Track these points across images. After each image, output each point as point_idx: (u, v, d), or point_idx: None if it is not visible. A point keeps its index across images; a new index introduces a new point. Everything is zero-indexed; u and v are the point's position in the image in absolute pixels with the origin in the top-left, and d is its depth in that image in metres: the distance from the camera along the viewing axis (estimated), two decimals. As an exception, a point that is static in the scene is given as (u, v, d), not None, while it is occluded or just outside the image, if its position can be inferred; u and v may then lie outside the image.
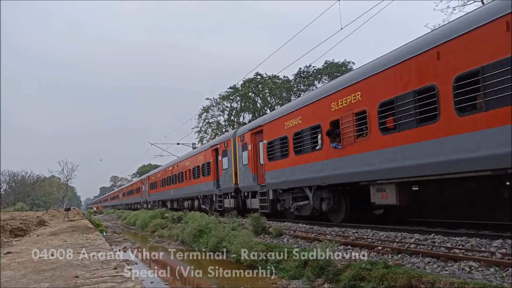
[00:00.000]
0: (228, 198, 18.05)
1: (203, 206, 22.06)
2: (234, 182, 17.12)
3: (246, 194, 16.46)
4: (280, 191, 13.76)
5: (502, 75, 6.45)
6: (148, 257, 14.00)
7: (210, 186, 20.18)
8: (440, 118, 7.52)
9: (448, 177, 7.71)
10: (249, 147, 15.78)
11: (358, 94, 9.80)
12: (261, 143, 14.93)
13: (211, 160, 20.05)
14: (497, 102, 6.58)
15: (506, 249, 6.04)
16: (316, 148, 11.42)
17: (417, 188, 9.31)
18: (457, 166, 7.24)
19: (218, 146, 19.22)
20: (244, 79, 41.63)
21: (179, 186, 26.45)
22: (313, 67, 42.55)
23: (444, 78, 7.47)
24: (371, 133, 9.30)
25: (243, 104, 44.69)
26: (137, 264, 11.90)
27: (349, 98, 10.05)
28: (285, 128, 13.13)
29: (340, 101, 10.39)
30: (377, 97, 9.13)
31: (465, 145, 7.06)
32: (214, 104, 46.21)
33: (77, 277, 5.39)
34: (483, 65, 6.79)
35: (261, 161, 14.84)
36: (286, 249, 8.64)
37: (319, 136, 11.29)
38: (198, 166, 22.25)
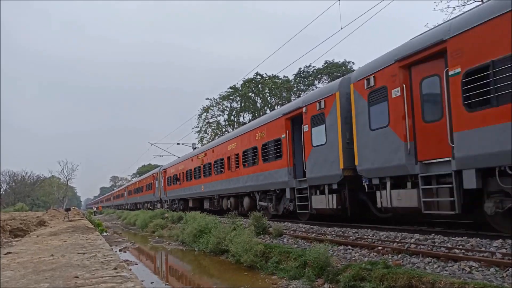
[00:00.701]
0: (159, 203, 34.47)
1: (150, 207, 37.97)
2: (159, 194, 33.93)
3: (164, 200, 33.11)
4: (171, 200, 30.44)
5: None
6: (148, 257, 14.00)
7: (151, 196, 37.57)
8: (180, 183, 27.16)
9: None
10: (162, 178, 32.83)
11: (182, 166, 27.07)
12: (167, 176, 31.36)
13: (151, 182, 37.36)
14: None
15: (506, 249, 6.04)
16: (177, 183, 27.72)
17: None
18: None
19: (155, 174, 36.11)
20: (244, 79, 41.67)
21: (141, 195, 43.58)
22: (313, 67, 42.58)
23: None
24: (183, 181, 26.49)
25: (243, 104, 44.69)
26: (137, 264, 11.90)
27: (180, 167, 27.41)
28: (171, 171, 30.08)
29: (181, 167, 27.27)
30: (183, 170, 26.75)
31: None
32: (214, 104, 46.24)
33: (77, 277, 5.38)
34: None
35: (167, 185, 31.42)
36: (286, 250, 8.64)
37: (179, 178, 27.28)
38: (148, 184, 39.44)
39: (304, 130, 11.97)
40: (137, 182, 47.64)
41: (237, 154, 17.02)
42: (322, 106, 11.14)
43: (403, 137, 8.21)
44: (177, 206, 28.45)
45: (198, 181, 22.81)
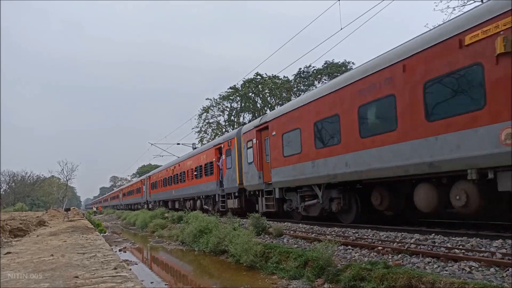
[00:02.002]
0: (145, 204, 39.75)
1: (139, 207, 43.72)
2: (146, 197, 40.03)
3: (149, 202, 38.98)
4: (154, 201, 36.95)
5: None
6: (148, 257, 14.00)
7: (139, 199, 44.77)
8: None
9: None
10: (147, 184, 39.81)
11: (160, 175, 34.68)
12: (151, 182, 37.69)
13: (140, 186, 44.55)
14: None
15: (506, 249, 6.04)
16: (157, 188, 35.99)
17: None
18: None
19: (143, 180, 42.80)
20: (244, 79, 41.68)
21: (131, 197, 52.01)
22: (313, 67, 42.59)
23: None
24: (160, 187, 34.63)
25: (243, 104, 44.69)
26: (137, 264, 11.90)
27: (160, 175, 35.19)
28: (153, 178, 37.11)
29: (160, 175, 34.95)
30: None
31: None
32: (214, 104, 46.25)
33: (77, 277, 5.38)
34: None
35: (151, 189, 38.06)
36: (286, 250, 8.64)
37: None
38: (137, 188, 46.85)
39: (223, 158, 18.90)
40: (129, 186, 58.56)
41: (192, 169, 24.00)
42: (229, 144, 18.01)
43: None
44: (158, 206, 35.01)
45: (171, 187, 30.05)
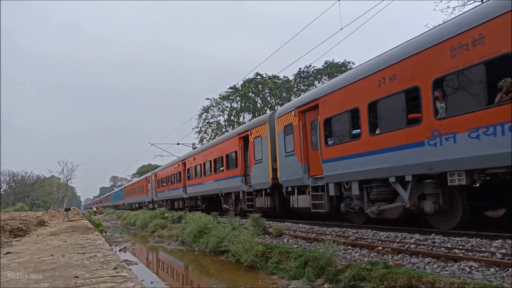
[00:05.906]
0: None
1: (120, 207, 61.09)
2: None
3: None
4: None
5: None
6: (148, 257, 14.01)
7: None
8: None
9: None
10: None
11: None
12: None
13: (119, 193, 64.35)
14: None
15: (506, 249, 6.04)
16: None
17: None
18: None
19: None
20: (244, 79, 41.69)
21: (117, 200, 64.60)
22: (313, 67, 42.58)
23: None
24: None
25: (243, 104, 44.71)
26: (137, 264, 11.90)
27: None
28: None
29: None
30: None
31: None
32: (214, 104, 46.29)
33: (77, 277, 5.38)
34: None
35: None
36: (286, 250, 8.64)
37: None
38: (117, 195, 66.59)
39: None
40: (115, 192, 75.03)
41: (139, 186, 42.07)
42: (150, 178, 31.81)
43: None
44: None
45: (133, 195, 45.95)
